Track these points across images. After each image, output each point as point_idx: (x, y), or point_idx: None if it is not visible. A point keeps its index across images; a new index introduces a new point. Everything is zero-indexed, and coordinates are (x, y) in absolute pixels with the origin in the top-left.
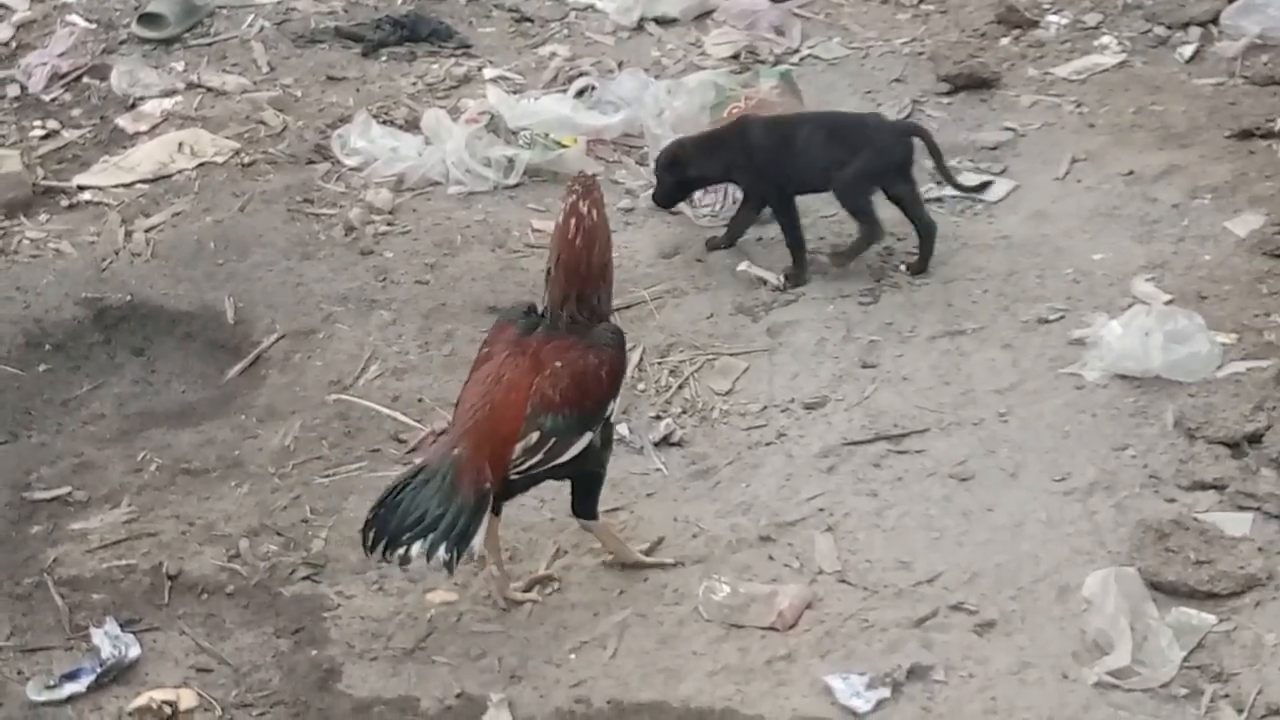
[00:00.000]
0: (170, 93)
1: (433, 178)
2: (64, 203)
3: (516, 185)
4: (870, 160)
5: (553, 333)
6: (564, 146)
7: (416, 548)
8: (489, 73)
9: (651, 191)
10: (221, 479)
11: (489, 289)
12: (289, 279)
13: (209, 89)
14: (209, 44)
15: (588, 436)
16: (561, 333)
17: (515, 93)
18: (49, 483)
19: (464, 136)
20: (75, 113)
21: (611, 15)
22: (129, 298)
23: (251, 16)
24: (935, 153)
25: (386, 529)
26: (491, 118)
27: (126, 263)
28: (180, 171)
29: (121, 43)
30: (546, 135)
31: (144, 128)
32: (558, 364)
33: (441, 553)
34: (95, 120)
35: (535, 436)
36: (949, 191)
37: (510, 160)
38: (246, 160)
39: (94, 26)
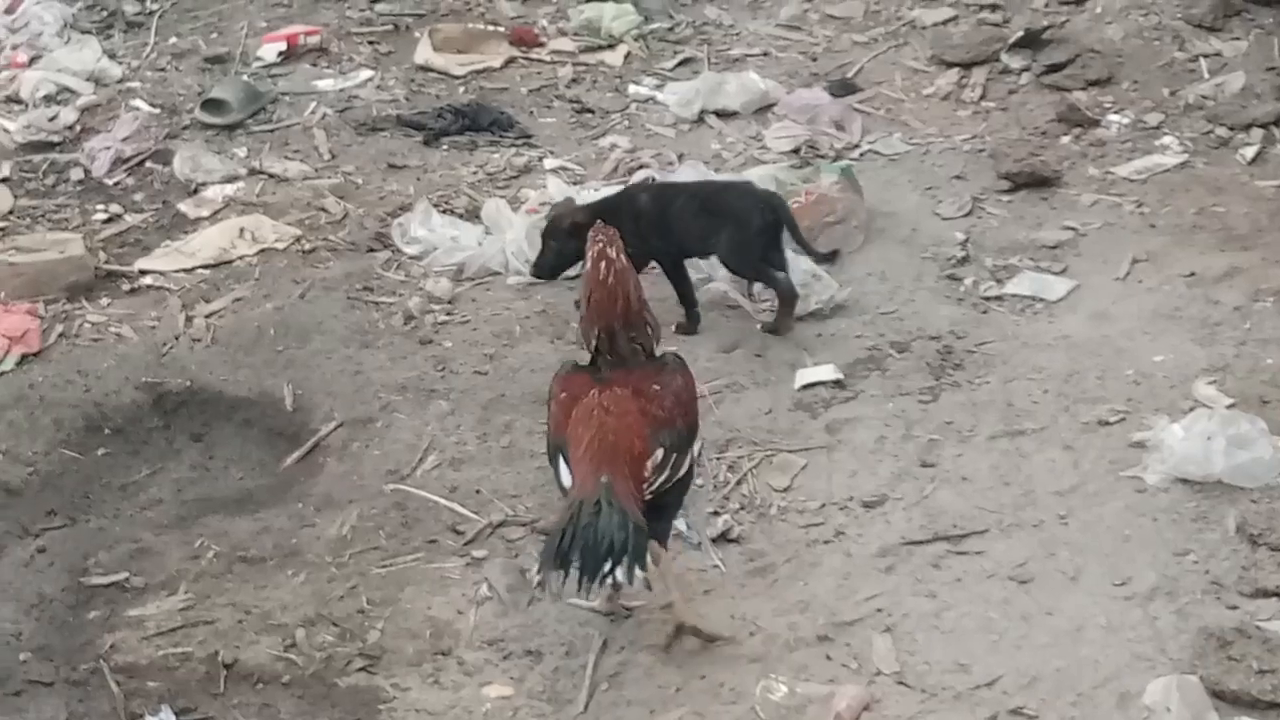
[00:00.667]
0: (232, 178)
1: (492, 267)
2: (125, 287)
3: (575, 277)
4: (736, 230)
5: (626, 366)
6: None
7: (620, 573)
8: (549, 163)
9: (533, 260)
10: (278, 567)
11: (547, 381)
12: (348, 367)
13: (271, 175)
14: (271, 130)
15: (691, 450)
16: (634, 365)
17: (576, 183)
18: (107, 568)
19: (524, 227)
20: (138, 197)
21: (672, 108)
22: (189, 383)
23: (314, 104)
24: (791, 224)
25: (588, 566)
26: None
27: (187, 348)
28: (241, 257)
29: (185, 128)
30: None
31: (206, 213)
32: (655, 387)
33: (638, 572)
34: (157, 205)
35: (660, 453)
36: (1009, 290)
37: None
38: (307, 247)
39: (158, 111)
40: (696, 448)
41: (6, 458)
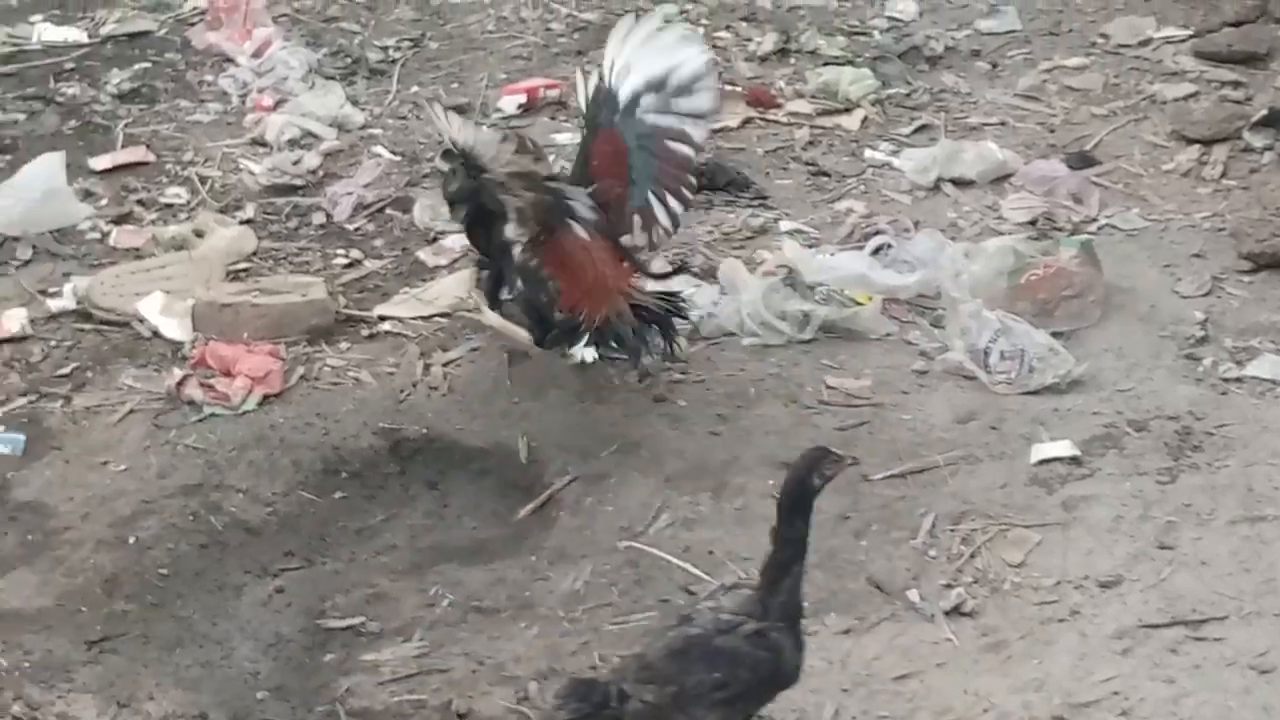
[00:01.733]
0: None
1: (727, 328)
2: (364, 332)
3: (810, 341)
4: None
5: None
6: (859, 304)
7: None
8: (785, 225)
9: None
10: (512, 619)
11: (781, 444)
12: (582, 421)
13: None
14: None
15: None
16: None
17: (811, 246)
18: (343, 611)
19: (761, 288)
20: (377, 243)
21: (908, 174)
22: (425, 430)
23: (552, 157)
24: None
25: None
26: (789, 271)
27: (424, 395)
28: (477, 308)
29: (425, 176)
30: (842, 291)
31: (444, 261)
32: None
33: None
34: (396, 252)
35: None
36: (1249, 372)
37: (806, 315)
38: None
39: (399, 159)
40: None
41: (246, 497)
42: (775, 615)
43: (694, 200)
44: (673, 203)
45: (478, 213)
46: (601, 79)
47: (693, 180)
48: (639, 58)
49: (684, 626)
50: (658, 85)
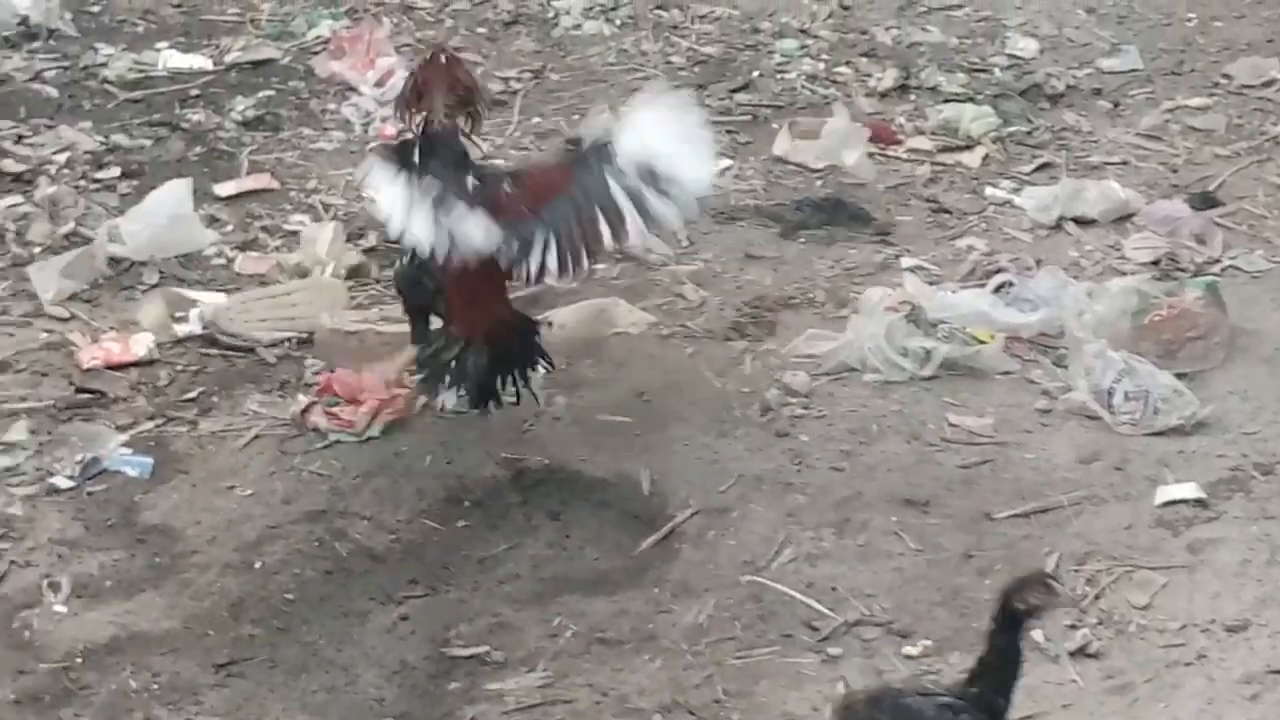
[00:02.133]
0: None
1: (850, 364)
2: None
3: (932, 378)
4: None
5: None
6: (982, 342)
7: None
8: (906, 261)
9: None
10: (635, 651)
11: (904, 481)
12: (704, 455)
13: (629, 259)
14: None
15: None
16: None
17: (932, 283)
18: (468, 640)
19: (884, 324)
20: None
21: (1030, 212)
22: (547, 461)
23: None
24: None
25: None
26: (913, 308)
27: (547, 426)
28: (599, 338)
29: None
30: (964, 329)
31: (564, 291)
32: None
33: None
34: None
35: None
36: None
37: (928, 352)
38: (664, 332)
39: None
40: None
41: (370, 524)
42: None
43: (577, 275)
44: (552, 260)
45: None
46: (608, 129)
47: (586, 263)
48: (658, 135)
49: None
50: (648, 169)
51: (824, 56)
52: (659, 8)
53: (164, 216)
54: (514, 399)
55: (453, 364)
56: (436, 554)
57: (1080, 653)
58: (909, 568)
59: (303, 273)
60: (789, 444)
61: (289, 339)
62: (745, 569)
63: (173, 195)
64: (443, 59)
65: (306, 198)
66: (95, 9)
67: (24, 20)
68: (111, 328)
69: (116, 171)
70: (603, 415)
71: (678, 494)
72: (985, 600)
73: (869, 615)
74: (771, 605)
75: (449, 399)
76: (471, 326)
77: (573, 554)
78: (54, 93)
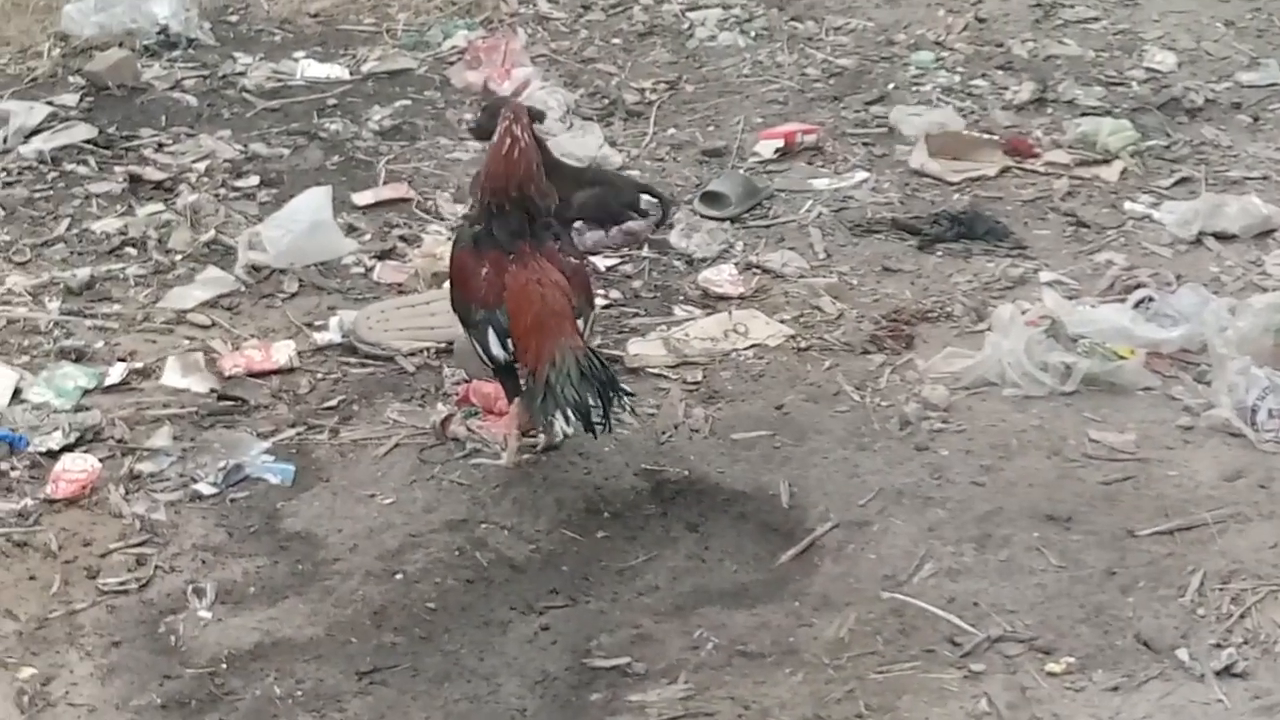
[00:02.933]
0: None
1: (989, 378)
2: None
3: (1072, 393)
4: None
5: (522, 239)
6: (1122, 358)
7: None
8: (1044, 275)
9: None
10: (776, 665)
11: (1045, 497)
12: (843, 468)
13: (766, 271)
14: (767, 226)
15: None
16: (526, 236)
17: (1071, 298)
18: (609, 651)
19: (1024, 339)
20: (636, 285)
21: (1169, 227)
22: (686, 473)
23: (810, 202)
24: None
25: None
26: (1052, 322)
27: (685, 438)
28: (734, 350)
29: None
30: (1104, 344)
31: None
32: (569, 260)
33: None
34: (654, 293)
35: (580, 320)
36: None
37: (1068, 367)
38: (802, 345)
39: (654, 201)
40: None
41: (510, 534)
42: None
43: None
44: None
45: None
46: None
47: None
48: None
49: None
50: None
51: (959, 69)
52: (794, 19)
53: (304, 223)
54: (622, 409)
55: (545, 396)
56: (576, 564)
57: (1226, 672)
58: (1051, 584)
59: (441, 282)
60: (928, 458)
61: (427, 348)
62: (886, 583)
63: (313, 202)
64: (510, 146)
65: (443, 207)
66: (233, 19)
67: (164, 29)
68: (251, 335)
69: (255, 180)
70: (741, 427)
71: (817, 507)
72: (1129, 618)
73: (1011, 631)
74: (913, 620)
75: (562, 426)
76: (537, 357)
77: (712, 566)
78: (193, 101)
